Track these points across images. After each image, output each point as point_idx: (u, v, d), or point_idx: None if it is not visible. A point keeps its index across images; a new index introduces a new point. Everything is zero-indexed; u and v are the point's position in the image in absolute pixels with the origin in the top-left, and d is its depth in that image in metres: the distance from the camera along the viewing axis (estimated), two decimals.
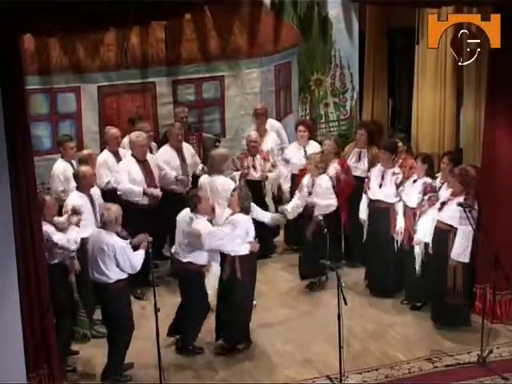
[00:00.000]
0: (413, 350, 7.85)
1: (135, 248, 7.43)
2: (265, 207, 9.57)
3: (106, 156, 9.39)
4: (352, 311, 8.29)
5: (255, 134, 10.11)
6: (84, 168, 8.33)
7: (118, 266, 7.21)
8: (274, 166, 10.02)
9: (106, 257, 7.18)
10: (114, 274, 7.23)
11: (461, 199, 7.87)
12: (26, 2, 5.76)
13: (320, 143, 10.18)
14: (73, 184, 8.55)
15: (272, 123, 10.71)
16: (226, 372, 7.59)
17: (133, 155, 9.14)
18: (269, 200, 10.25)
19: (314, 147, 10.10)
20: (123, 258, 7.18)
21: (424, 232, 8.29)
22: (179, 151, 9.71)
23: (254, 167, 9.92)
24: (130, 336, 7.49)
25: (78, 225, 7.60)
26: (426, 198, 8.34)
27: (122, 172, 9.09)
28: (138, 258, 7.31)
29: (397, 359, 7.71)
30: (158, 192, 9.14)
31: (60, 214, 8.25)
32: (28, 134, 6.62)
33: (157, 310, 6.81)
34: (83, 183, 8.24)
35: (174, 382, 7.29)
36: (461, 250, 7.88)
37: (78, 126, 10.41)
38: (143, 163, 9.13)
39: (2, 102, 6.18)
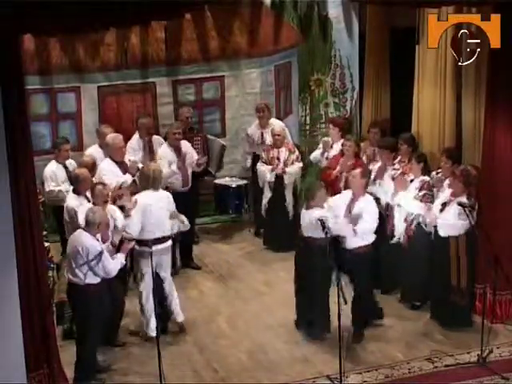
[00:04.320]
0: (413, 350, 7.85)
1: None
2: (283, 200, 10.03)
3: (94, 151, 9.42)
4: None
5: (279, 127, 10.35)
6: (81, 170, 8.28)
7: (91, 269, 7.07)
8: (298, 158, 10.20)
9: (78, 258, 7.07)
10: (86, 277, 7.09)
11: (462, 199, 7.89)
12: (26, 2, 5.76)
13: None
14: (63, 185, 8.59)
15: (275, 122, 10.73)
16: (226, 372, 7.59)
17: (110, 157, 9.05)
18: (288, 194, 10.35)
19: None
20: (96, 262, 7.03)
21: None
22: (178, 150, 9.71)
23: (279, 159, 10.13)
24: (96, 339, 7.37)
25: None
26: (421, 194, 8.36)
27: (107, 173, 8.94)
28: (113, 264, 7.19)
29: (397, 359, 7.71)
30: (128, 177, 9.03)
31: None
32: (28, 134, 6.61)
33: (157, 310, 6.80)
34: (79, 186, 8.17)
35: (173, 382, 7.29)
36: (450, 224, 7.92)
37: (78, 126, 10.43)
38: (121, 164, 9.07)
39: (2, 102, 6.18)
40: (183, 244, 9.57)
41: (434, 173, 8.76)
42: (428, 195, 8.37)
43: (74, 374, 7.34)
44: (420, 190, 8.41)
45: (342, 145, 9.76)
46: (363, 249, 7.94)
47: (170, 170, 9.45)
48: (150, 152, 9.82)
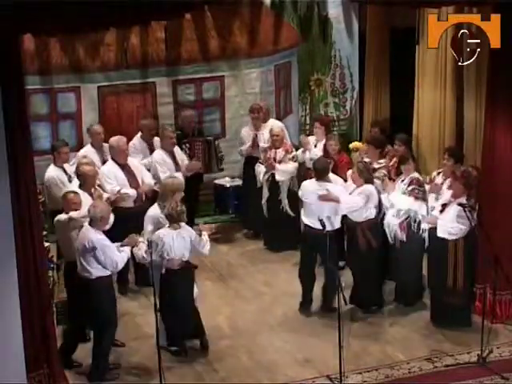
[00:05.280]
0: (413, 350, 7.84)
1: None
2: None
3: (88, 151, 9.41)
4: (352, 311, 8.32)
5: (278, 127, 10.33)
6: (86, 167, 8.33)
7: (98, 262, 7.18)
8: (293, 158, 10.14)
9: (86, 253, 7.16)
10: (95, 271, 7.19)
11: (462, 200, 7.89)
12: (26, 2, 5.76)
13: None
14: (68, 188, 8.58)
15: (274, 123, 10.72)
16: (226, 372, 7.59)
17: (113, 159, 9.05)
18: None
19: None
20: (103, 255, 7.15)
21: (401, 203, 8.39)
22: (172, 154, 9.73)
23: (275, 160, 10.10)
24: (113, 334, 7.45)
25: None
26: (410, 188, 8.37)
27: (110, 175, 8.94)
28: (120, 257, 7.29)
29: (397, 359, 7.70)
30: (132, 192, 8.95)
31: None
32: (28, 134, 6.61)
33: (157, 310, 6.80)
34: (85, 182, 8.23)
35: (173, 382, 7.29)
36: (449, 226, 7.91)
37: (78, 126, 10.42)
38: (124, 166, 9.05)
39: (2, 102, 6.18)
40: None
41: (434, 173, 8.76)
42: (417, 190, 8.36)
43: (91, 372, 7.37)
44: (409, 185, 8.42)
45: (326, 143, 9.79)
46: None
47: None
48: (151, 154, 9.82)
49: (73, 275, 7.49)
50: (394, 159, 9.02)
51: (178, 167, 9.71)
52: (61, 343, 7.47)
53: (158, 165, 9.50)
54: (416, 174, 8.55)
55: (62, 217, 7.71)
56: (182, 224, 7.62)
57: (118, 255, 7.28)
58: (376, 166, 8.96)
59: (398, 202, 8.43)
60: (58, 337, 7.35)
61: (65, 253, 7.88)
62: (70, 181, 8.81)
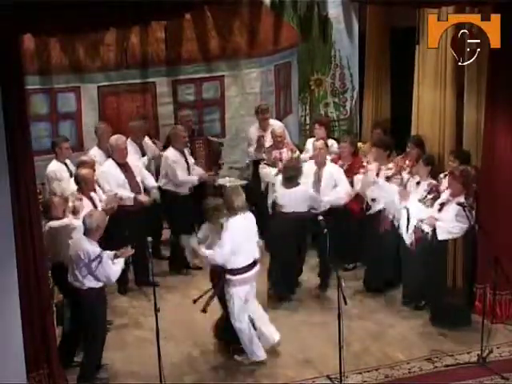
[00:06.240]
0: (413, 350, 7.85)
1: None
2: None
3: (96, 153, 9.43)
4: (352, 311, 8.32)
5: (280, 128, 10.32)
6: (84, 171, 8.31)
7: (91, 274, 7.05)
8: (298, 157, 10.08)
9: (80, 263, 7.04)
10: (87, 282, 7.08)
11: (460, 199, 7.89)
12: (26, 2, 5.77)
13: (337, 140, 10.34)
14: (68, 184, 8.58)
15: (274, 123, 10.71)
16: (226, 372, 7.59)
17: (113, 158, 9.04)
18: None
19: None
20: (97, 269, 7.02)
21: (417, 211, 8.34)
22: (183, 154, 9.72)
23: (281, 160, 10.02)
24: (102, 341, 7.39)
25: None
26: (431, 196, 8.35)
27: (108, 175, 8.96)
28: (114, 269, 7.18)
29: (397, 359, 7.70)
30: (146, 199, 9.07)
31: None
32: (28, 134, 6.61)
33: (157, 310, 6.80)
34: (83, 186, 8.22)
35: (173, 382, 7.29)
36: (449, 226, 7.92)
37: (78, 126, 10.42)
38: (124, 166, 9.05)
39: (2, 102, 6.19)
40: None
41: (441, 175, 8.75)
42: (437, 198, 8.34)
43: (79, 376, 7.34)
44: (429, 192, 8.39)
45: (339, 147, 9.80)
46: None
47: (191, 177, 9.64)
48: (143, 154, 9.84)
49: (60, 277, 7.45)
50: (407, 162, 8.95)
51: (189, 166, 9.71)
52: (60, 343, 7.47)
53: (175, 164, 9.51)
54: (434, 181, 8.52)
55: (54, 223, 7.59)
56: None
57: (112, 269, 7.15)
58: (385, 171, 8.91)
59: (417, 211, 8.35)
60: (57, 337, 7.36)
61: (52, 255, 7.67)
62: (71, 177, 8.82)
